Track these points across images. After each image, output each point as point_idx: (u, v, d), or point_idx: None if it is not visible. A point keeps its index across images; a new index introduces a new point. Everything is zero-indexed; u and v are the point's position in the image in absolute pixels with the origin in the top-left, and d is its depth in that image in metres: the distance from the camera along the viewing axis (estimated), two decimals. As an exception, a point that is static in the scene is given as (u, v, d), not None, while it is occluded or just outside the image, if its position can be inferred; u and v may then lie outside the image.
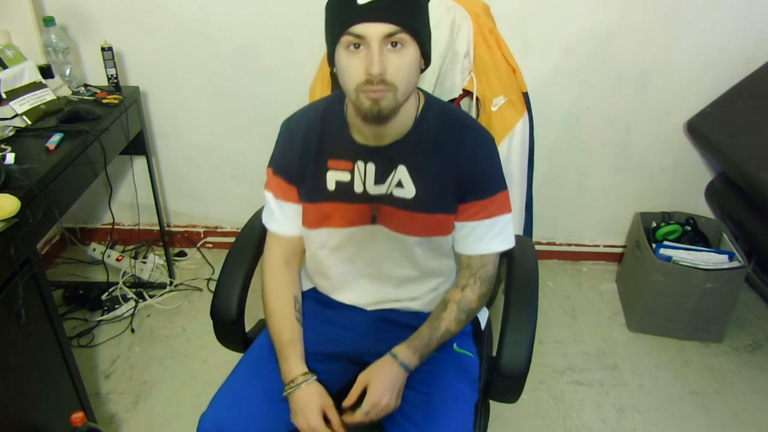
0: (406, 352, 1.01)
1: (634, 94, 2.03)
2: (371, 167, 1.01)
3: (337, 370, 1.10)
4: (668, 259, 1.92)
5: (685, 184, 2.21)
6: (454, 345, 1.11)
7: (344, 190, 1.03)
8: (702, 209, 2.23)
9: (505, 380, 1.03)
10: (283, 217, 1.10)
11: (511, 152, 1.51)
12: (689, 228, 2.08)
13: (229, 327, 1.13)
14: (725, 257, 1.91)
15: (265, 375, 1.05)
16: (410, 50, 0.88)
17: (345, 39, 0.87)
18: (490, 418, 1.17)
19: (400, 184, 1.01)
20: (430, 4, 0.96)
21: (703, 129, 2.00)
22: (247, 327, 1.19)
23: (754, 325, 2.10)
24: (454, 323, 1.04)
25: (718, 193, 2.15)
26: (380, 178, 1.01)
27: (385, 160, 1.00)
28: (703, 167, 2.17)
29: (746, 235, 2.06)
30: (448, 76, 1.45)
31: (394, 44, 0.87)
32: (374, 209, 1.03)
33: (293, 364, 1.02)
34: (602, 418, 1.72)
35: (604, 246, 2.39)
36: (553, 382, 1.84)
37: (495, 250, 1.05)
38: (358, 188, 1.02)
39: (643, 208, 2.21)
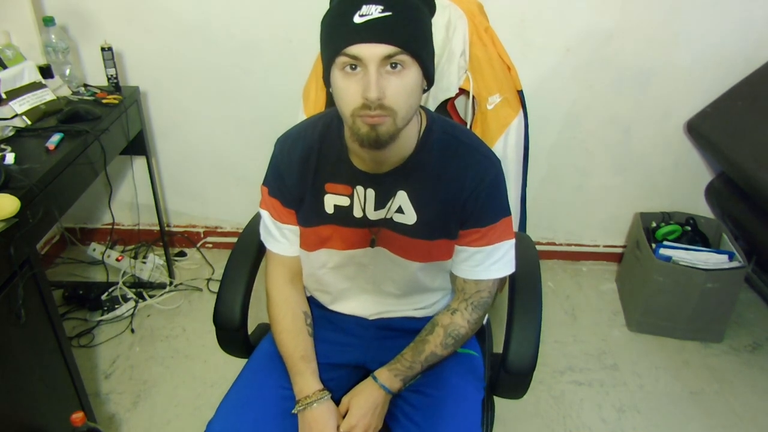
0: (387, 375, 1.00)
1: (634, 94, 2.03)
2: (371, 193, 0.97)
3: (342, 377, 1.10)
4: (668, 259, 1.91)
5: (685, 184, 2.21)
6: None
7: (343, 214, 0.99)
8: (702, 209, 2.23)
9: (512, 377, 1.03)
10: (283, 238, 1.07)
11: (506, 150, 1.52)
12: (689, 228, 2.08)
13: (233, 334, 1.12)
14: (725, 257, 1.91)
15: (273, 383, 1.04)
16: (411, 72, 0.81)
17: (340, 60, 0.80)
18: (490, 418, 1.17)
19: (400, 210, 0.97)
20: None
21: (703, 129, 2.00)
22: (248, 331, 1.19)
23: (754, 325, 2.10)
24: (439, 347, 1.01)
25: (718, 193, 2.15)
26: (380, 204, 0.98)
27: (385, 186, 0.96)
28: (703, 167, 2.17)
29: (746, 235, 2.06)
30: (445, 75, 1.45)
31: (394, 65, 0.80)
32: (374, 233, 1.00)
33: (309, 379, 1.01)
34: (602, 418, 1.72)
35: (604, 246, 2.39)
36: (552, 382, 1.84)
37: (492, 277, 1.01)
38: (357, 213, 0.99)
39: (643, 208, 2.21)
